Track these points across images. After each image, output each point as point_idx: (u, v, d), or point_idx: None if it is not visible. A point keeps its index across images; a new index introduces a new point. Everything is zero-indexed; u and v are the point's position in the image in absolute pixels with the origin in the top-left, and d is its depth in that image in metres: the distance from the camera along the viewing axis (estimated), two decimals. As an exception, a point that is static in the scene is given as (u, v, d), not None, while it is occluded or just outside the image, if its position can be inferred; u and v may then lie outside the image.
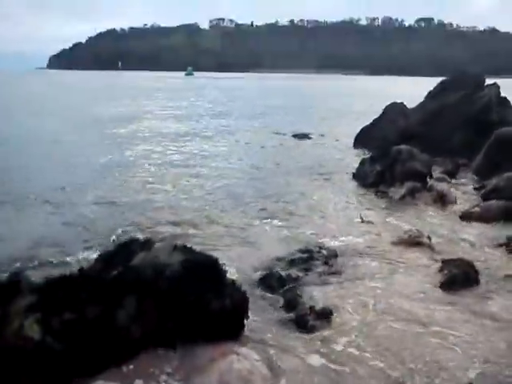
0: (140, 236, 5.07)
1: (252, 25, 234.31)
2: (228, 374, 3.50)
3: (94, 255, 4.89)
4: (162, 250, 4.18)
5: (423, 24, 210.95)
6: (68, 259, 5.81)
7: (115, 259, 4.20)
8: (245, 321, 4.15)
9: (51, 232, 6.99)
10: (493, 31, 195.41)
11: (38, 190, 9.36)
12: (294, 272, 5.35)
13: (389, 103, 15.23)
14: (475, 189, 9.45)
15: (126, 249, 4.30)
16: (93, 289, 3.78)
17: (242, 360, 3.69)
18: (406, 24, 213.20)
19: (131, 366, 3.66)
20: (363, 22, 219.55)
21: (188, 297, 3.96)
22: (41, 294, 3.62)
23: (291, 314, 4.50)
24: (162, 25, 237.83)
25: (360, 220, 7.34)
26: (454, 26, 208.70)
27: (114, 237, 6.51)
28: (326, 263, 5.58)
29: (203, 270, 4.13)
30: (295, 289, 4.96)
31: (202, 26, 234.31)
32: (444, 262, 5.54)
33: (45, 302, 3.58)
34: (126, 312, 3.76)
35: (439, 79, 14.44)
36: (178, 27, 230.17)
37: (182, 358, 3.78)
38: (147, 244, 4.33)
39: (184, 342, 3.91)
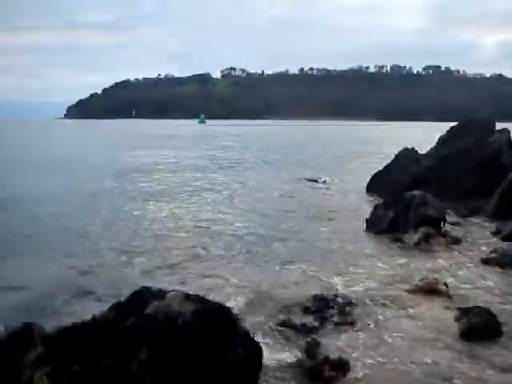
0: (153, 285, 5.02)
1: (262, 74, 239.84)
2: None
3: (108, 304, 4.83)
4: (174, 298, 4.13)
5: (430, 71, 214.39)
6: (82, 307, 5.79)
7: (128, 308, 4.16)
8: (259, 371, 4.05)
9: (65, 280, 6.99)
10: (498, 77, 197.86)
11: (54, 237, 9.51)
12: (310, 320, 5.25)
13: (401, 149, 15.29)
14: (492, 233, 9.32)
15: (139, 298, 4.26)
16: (105, 338, 3.73)
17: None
18: (414, 71, 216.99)
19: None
20: (372, 70, 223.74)
21: (200, 345, 3.88)
22: (51, 345, 3.57)
23: (307, 364, 4.39)
24: (175, 75, 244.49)
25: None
26: (461, 72, 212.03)
27: (128, 285, 6.49)
28: (341, 312, 5.47)
29: (215, 319, 4.06)
30: (311, 338, 4.85)
31: (213, 76, 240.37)
32: (462, 310, 5.40)
33: (55, 353, 3.53)
34: (139, 362, 3.69)
35: (448, 124, 14.54)
36: (191, 77, 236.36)
37: (195, 411, 3.67)
38: (160, 293, 4.29)
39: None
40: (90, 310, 5.37)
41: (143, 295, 4.29)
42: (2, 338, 3.45)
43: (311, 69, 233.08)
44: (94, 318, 4.00)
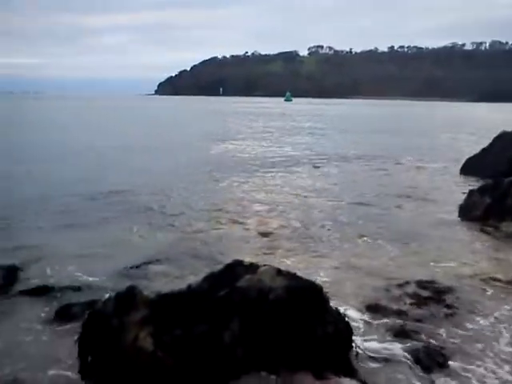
0: (244, 257, 5.16)
1: (350, 51, 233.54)
2: (329, 404, 3.44)
3: (203, 273, 5.06)
4: (266, 273, 4.23)
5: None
6: (176, 275, 6.12)
7: (221, 279, 4.32)
8: (349, 350, 4.07)
9: (164, 248, 7.39)
10: None
11: (159, 204, 10.18)
12: (405, 305, 5.17)
13: (499, 132, 14.39)
14: None
15: (232, 270, 4.41)
16: (200, 307, 3.91)
17: (344, 392, 3.61)
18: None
19: (234, 386, 3.73)
20: (468, 47, 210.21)
21: (291, 321, 3.96)
22: (153, 308, 3.81)
23: (400, 350, 4.33)
24: (262, 52, 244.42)
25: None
26: None
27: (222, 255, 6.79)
28: (438, 298, 5.34)
29: (306, 296, 4.12)
30: (405, 323, 4.78)
31: (300, 53, 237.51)
32: None
33: (157, 316, 3.77)
34: (231, 332, 3.85)
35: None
36: (277, 55, 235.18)
37: (283, 384, 3.77)
38: (252, 267, 4.41)
39: (286, 368, 3.91)
40: (186, 278, 5.69)
41: (235, 268, 4.44)
42: (111, 298, 3.73)
43: (401, 47, 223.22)
44: (189, 286, 4.20)
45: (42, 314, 5.02)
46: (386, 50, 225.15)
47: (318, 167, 16.21)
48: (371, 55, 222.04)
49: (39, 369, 4.02)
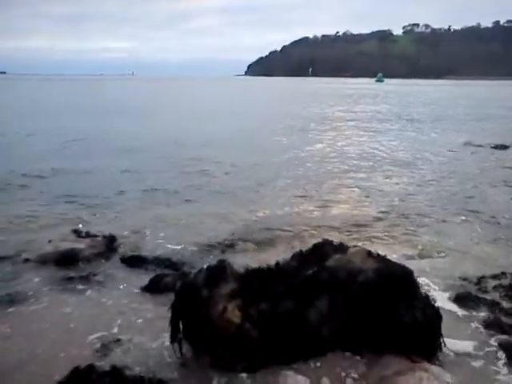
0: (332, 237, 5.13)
1: (449, 29, 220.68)
2: (418, 391, 3.35)
3: (287, 252, 5.09)
4: (356, 254, 4.17)
5: None
6: (263, 252, 6.24)
7: (309, 258, 4.33)
8: (436, 339, 3.93)
9: (253, 226, 7.50)
10: None
11: (251, 183, 10.49)
12: (499, 297, 4.90)
13: None
14: None
15: (320, 249, 4.40)
16: (288, 284, 3.94)
17: (433, 380, 3.49)
18: None
19: (318, 364, 3.75)
20: None
21: (379, 305, 3.89)
22: (242, 282, 3.90)
23: (492, 344, 4.11)
24: (354, 32, 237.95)
25: None
26: None
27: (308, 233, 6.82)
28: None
29: (396, 280, 4.01)
30: (498, 316, 4.52)
31: (394, 32, 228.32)
32: None
33: (245, 290, 3.86)
34: (317, 310, 3.85)
35: None
36: (370, 34, 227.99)
37: (368, 366, 3.74)
38: (341, 247, 4.37)
39: (370, 350, 3.86)
40: (273, 255, 5.76)
41: (324, 247, 4.42)
42: (202, 271, 3.86)
43: (509, 21, 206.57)
44: (277, 263, 4.25)
45: (138, 282, 5.31)
46: (489, 25, 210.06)
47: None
48: (472, 32, 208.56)
49: (134, 332, 4.26)
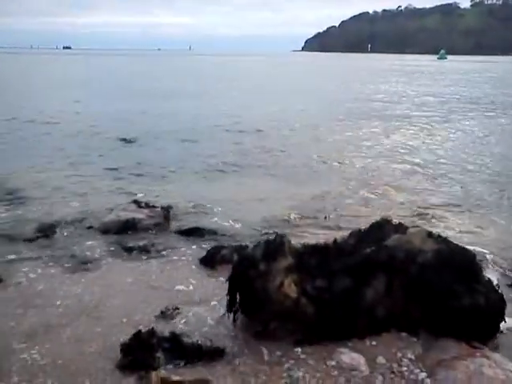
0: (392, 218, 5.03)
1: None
2: (478, 377, 3.27)
3: (345, 230, 5.06)
4: (415, 235, 4.08)
5: None
6: (319, 229, 6.24)
7: (367, 237, 4.27)
8: (500, 325, 3.81)
9: (309, 203, 7.50)
10: None
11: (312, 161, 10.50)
12: None
13: None
14: None
15: (379, 228, 4.33)
16: (345, 261, 3.92)
17: (495, 367, 3.39)
18: None
19: (374, 342, 3.73)
20: None
21: (438, 287, 3.80)
22: (299, 258, 3.91)
23: None
24: (417, 6, 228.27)
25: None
26: None
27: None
28: None
29: (457, 263, 3.91)
30: None
31: (461, 5, 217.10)
32: None
33: (302, 266, 3.86)
34: (374, 289, 3.82)
35: None
36: (434, 8, 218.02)
37: (425, 348, 3.68)
38: (401, 227, 4.29)
39: (427, 333, 3.80)
40: (328, 232, 5.75)
41: (383, 226, 4.34)
42: (260, 244, 3.90)
43: None
44: (335, 240, 4.22)
45: (196, 253, 5.44)
46: None
47: None
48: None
49: (192, 302, 4.38)
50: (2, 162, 10.16)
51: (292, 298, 3.68)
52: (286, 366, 3.45)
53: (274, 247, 3.84)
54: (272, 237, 4.05)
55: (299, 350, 3.62)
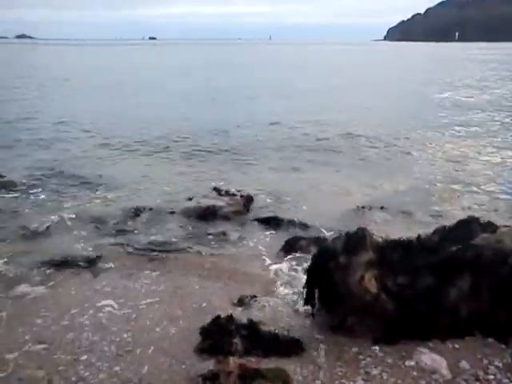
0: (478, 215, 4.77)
1: None
2: None
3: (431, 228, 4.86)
4: (507, 234, 3.85)
5: None
6: (401, 224, 6.06)
7: (453, 235, 4.08)
8: None
9: (389, 197, 7.33)
10: None
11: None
12: None
13: None
14: None
15: (466, 227, 4.12)
16: (429, 259, 3.77)
17: None
18: None
19: (456, 345, 3.56)
20: None
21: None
22: (381, 252, 3.81)
23: None
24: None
25: None
26: None
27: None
28: None
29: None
30: None
31: None
32: None
33: (383, 261, 3.76)
34: (458, 289, 3.64)
35: None
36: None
37: (515, 356, 3.47)
38: (490, 226, 4.05)
39: (516, 339, 3.58)
40: (411, 228, 5.56)
41: (470, 225, 4.13)
42: (341, 237, 3.84)
43: None
44: (419, 236, 4.06)
45: (274, 242, 5.48)
46: None
47: None
48: None
49: (269, 291, 4.42)
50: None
51: (372, 293, 3.59)
52: (363, 362, 3.39)
53: (356, 240, 3.77)
54: (353, 230, 3.98)
55: (377, 347, 3.54)
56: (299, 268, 4.66)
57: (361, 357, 3.45)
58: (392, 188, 7.75)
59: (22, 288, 4.46)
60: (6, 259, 5.03)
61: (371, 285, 3.62)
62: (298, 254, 5.08)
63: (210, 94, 21.33)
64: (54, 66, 43.26)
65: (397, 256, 3.85)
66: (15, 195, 7.20)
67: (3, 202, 6.87)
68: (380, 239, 4.03)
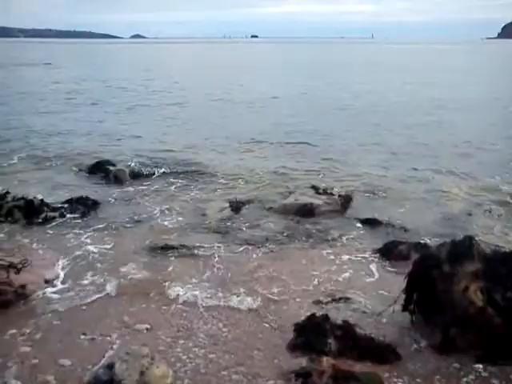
0: None
1: None
2: None
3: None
4: None
5: None
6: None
7: None
8: None
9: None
10: None
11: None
12: None
13: None
14: None
15: None
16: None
17: None
18: None
19: None
20: None
21: None
22: (488, 263, 3.57)
23: None
24: None
25: None
26: None
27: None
28: None
29: None
30: None
31: None
32: None
33: (491, 272, 3.52)
34: None
35: None
36: None
37: None
38: None
39: None
40: None
41: None
42: (445, 244, 3.66)
43: None
44: (531, 250, 3.77)
45: (371, 245, 5.35)
46: None
47: None
48: None
49: (364, 293, 4.31)
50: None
51: (477, 306, 3.37)
52: (465, 380, 3.20)
53: (462, 249, 3.57)
54: (459, 237, 3.77)
55: (480, 366, 3.31)
56: (398, 272, 4.50)
57: (462, 373, 3.26)
58: (504, 193, 7.21)
59: (129, 269, 4.76)
60: (113, 244, 5.40)
61: (476, 297, 3.40)
62: (396, 258, 4.92)
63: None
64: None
65: (506, 269, 3.59)
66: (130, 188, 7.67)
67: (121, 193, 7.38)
68: (488, 249, 3.80)
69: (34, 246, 5.32)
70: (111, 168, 8.07)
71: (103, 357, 3.39)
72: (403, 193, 7.26)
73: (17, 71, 32.82)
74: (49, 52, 68.22)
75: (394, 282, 4.39)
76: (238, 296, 4.25)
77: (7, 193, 6.35)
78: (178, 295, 4.27)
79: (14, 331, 3.75)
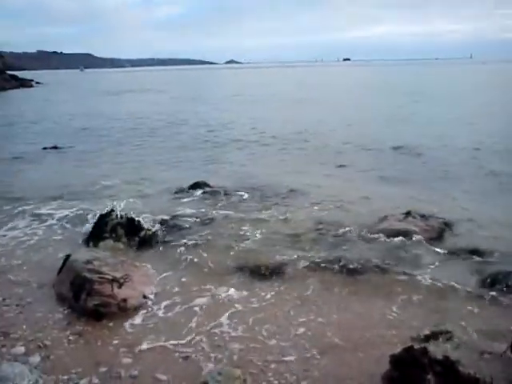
0: None
1: None
2: None
3: None
4: None
5: None
6: None
7: None
8: None
9: None
10: None
11: None
12: None
13: None
14: None
15: None
16: None
17: None
18: None
19: None
20: None
21: None
22: None
23: None
24: None
25: None
26: None
27: None
28: None
29: None
30: None
31: None
32: None
33: None
34: None
35: None
36: None
37: None
38: None
39: None
40: None
41: None
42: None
43: None
44: None
45: (468, 276, 5.03)
46: None
47: None
48: None
49: (466, 330, 4.05)
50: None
51: None
52: None
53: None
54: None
55: None
56: (506, 305, 4.18)
57: None
58: None
59: (221, 290, 4.87)
60: (214, 265, 5.54)
61: None
62: (504, 293, 4.56)
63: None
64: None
65: None
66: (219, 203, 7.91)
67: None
68: None
69: (135, 262, 5.61)
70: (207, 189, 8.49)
71: (198, 374, 3.46)
72: (503, 221, 6.77)
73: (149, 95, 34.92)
74: (166, 78, 72.26)
75: (498, 316, 4.09)
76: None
77: (112, 210, 6.76)
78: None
79: (116, 341, 3.96)
